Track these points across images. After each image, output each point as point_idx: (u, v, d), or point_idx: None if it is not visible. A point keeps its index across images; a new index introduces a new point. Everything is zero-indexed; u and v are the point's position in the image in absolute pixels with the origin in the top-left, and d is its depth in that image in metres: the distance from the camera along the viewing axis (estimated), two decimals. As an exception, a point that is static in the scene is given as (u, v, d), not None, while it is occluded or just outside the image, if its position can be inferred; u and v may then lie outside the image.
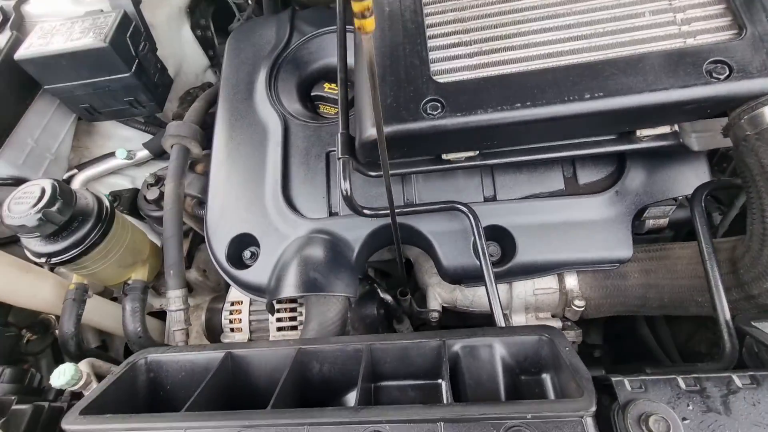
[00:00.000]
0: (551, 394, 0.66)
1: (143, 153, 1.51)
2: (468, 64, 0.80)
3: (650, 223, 1.01)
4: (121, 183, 1.57)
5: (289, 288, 0.91)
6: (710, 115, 0.76)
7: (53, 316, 1.30)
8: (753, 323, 0.67)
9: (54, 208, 0.93)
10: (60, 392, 0.95)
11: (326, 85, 1.26)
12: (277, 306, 1.08)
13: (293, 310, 1.11)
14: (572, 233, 0.92)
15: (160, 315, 1.42)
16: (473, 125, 0.75)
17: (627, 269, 0.97)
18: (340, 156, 0.83)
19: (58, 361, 1.34)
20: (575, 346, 1.07)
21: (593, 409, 0.52)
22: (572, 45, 0.77)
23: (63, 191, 0.96)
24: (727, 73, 0.69)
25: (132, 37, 1.25)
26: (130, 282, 1.17)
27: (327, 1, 1.38)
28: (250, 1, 1.60)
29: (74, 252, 1.00)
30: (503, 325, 0.83)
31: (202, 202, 1.24)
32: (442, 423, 0.54)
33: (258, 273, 1.00)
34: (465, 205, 0.91)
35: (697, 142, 0.83)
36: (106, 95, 1.32)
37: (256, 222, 1.04)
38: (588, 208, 0.93)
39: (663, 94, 0.70)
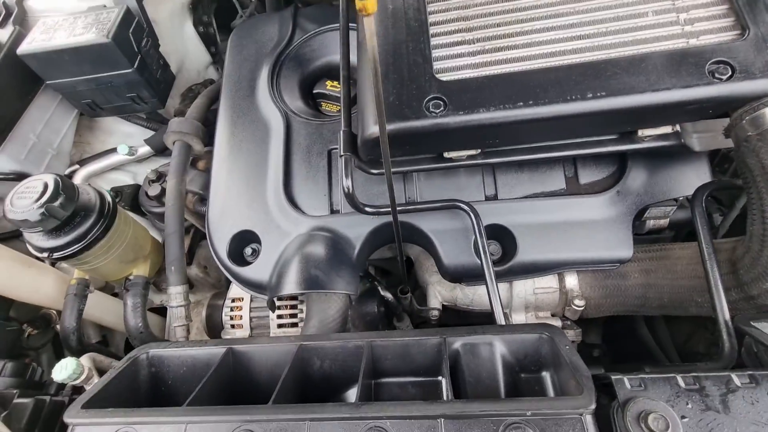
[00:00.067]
0: (551, 392, 0.67)
1: (145, 149, 1.51)
2: (471, 63, 0.80)
3: (651, 224, 1.02)
4: (123, 179, 1.58)
5: (290, 285, 0.91)
6: (712, 116, 0.76)
7: (54, 311, 1.30)
8: (752, 323, 0.68)
9: (56, 203, 0.93)
10: (61, 386, 0.95)
11: (328, 83, 1.26)
12: (277, 303, 1.09)
13: (294, 307, 1.12)
14: (573, 233, 0.93)
15: (161, 311, 1.42)
16: (475, 124, 0.75)
17: (627, 269, 0.97)
18: (342, 153, 0.83)
19: (59, 355, 1.34)
20: (574, 346, 1.08)
21: (593, 406, 0.52)
22: (575, 44, 0.78)
23: (65, 186, 0.96)
24: (730, 73, 0.69)
25: (135, 33, 1.25)
26: (131, 277, 1.17)
27: (329, -2, 1.38)
28: (252, -2, 1.60)
29: (76, 247, 1.00)
30: (504, 323, 0.83)
31: (203, 199, 1.24)
32: (442, 419, 0.54)
33: (259, 270, 1.00)
34: (466, 203, 0.91)
35: (698, 142, 0.84)
36: (109, 91, 1.32)
37: (257, 219, 1.04)
38: (589, 207, 0.93)
39: (665, 94, 0.70)
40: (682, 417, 0.53)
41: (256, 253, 1.04)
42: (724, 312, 0.75)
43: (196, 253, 1.43)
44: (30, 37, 1.22)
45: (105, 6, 1.28)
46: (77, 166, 1.50)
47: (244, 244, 1.06)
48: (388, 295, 1.13)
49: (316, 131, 1.11)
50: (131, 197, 1.45)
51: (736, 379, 0.55)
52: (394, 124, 0.76)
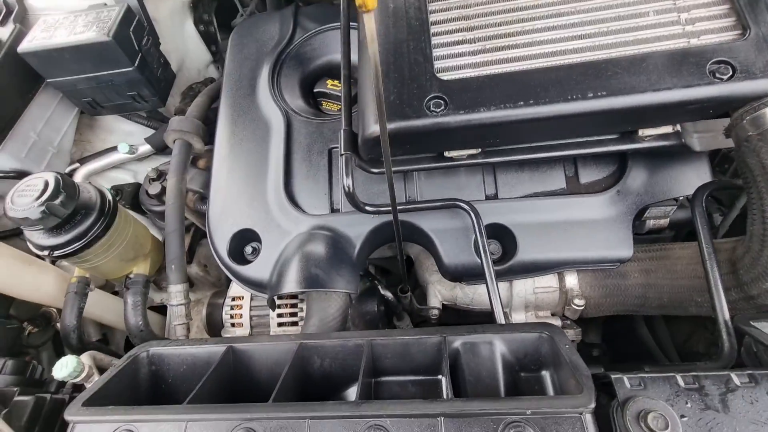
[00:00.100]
0: (551, 391, 0.67)
1: (145, 148, 1.51)
2: (472, 62, 0.80)
3: (651, 223, 1.02)
4: (123, 177, 1.58)
5: (291, 284, 0.91)
6: (712, 116, 0.76)
7: (55, 309, 1.30)
8: (752, 323, 0.68)
9: (57, 201, 0.93)
10: (61, 384, 0.95)
11: (329, 82, 1.26)
12: (278, 302, 1.09)
13: (294, 306, 1.12)
14: (573, 232, 0.93)
15: (161, 310, 1.42)
16: (476, 123, 0.75)
17: (627, 269, 0.98)
18: (342, 152, 0.83)
19: (59, 353, 1.35)
20: (574, 345, 1.08)
21: (592, 405, 0.52)
22: (576, 44, 0.78)
23: (66, 184, 0.96)
24: (731, 73, 0.69)
25: (135, 32, 1.25)
26: (131, 276, 1.17)
27: (330, -3, 1.38)
28: (253, -3, 1.60)
29: (77, 245, 1.00)
30: (503, 322, 0.83)
31: (203, 198, 1.24)
32: (442, 418, 0.54)
33: (259, 268, 1.00)
34: (466, 202, 0.91)
35: (698, 142, 0.84)
36: (109, 89, 1.32)
37: (257, 218, 1.04)
38: (589, 207, 0.93)
39: (666, 93, 0.70)
40: (682, 416, 0.53)
41: (256, 251, 1.04)
42: (723, 312, 0.75)
43: (196, 251, 1.43)
44: (31, 35, 1.22)
45: (106, 4, 1.28)
46: (78, 165, 1.50)
47: (244, 242, 1.06)
48: (388, 294, 1.13)
49: (317, 130, 1.11)
50: (132, 196, 1.45)
51: (735, 378, 0.55)
52: (395, 123, 0.76)
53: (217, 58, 1.73)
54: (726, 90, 0.69)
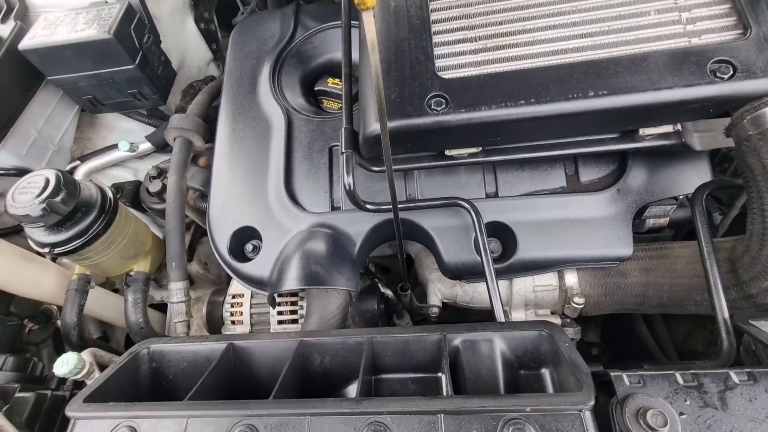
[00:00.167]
0: (550, 389, 0.67)
1: (146, 145, 1.51)
2: (473, 61, 0.80)
3: (651, 222, 1.02)
4: (124, 175, 1.58)
5: (291, 281, 0.91)
6: (713, 115, 0.76)
7: (55, 307, 1.30)
8: (751, 322, 0.68)
9: (58, 199, 0.93)
10: (62, 381, 0.96)
11: (330, 80, 1.26)
12: (278, 299, 1.09)
13: (294, 303, 1.12)
14: (573, 230, 0.93)
15: (161, 308, 1.42)
16: (477, 121, 0.75)
17: (627, 267, 0.98)
18: (343, 151, 0.83)
19: (60, 351, 1.35)
20: (574, 343, 1.08)
21: (592, 403, 0.53)
22: (577, 43, 0.78)
23: (67, 182, 0.96)
24: (731, 72, 0.69)
25: (136, 29, 1.25)
26: (132, 273, 1.17)
27: (331, -5, 1.38)
28: (254, -5, 1.60)
29: (77, 242, 1.00)
30: (503, 320, 0.83)
31: (204, 195, 1.24)
32: (442, 415, 0.54)
33: (260, 266, 1.00)
34: (467, 201, 0.92)
35: (699, 141, 0.84)
36: (110, 87, 1.32)
37: (258, 215, 1.05)
38: (589, 205, 0.94)
39: (667, 92, 0.70)
40: (681, 413, 0.53)
41: (256, 249, 1.04)
42: (723, 310, 0.75)
43: (196, 249, 1.44)
44: (31, 32, 1.22)
45: (107, 2, 1.28)
46: (78, 162, 1.50)
47: (244, 240, 1.07)
48: (389, 293, 1.13)
49: (318, 128, 1.11)
50: (132, 193, 1.45)
51: (734, 376, 0.55)
52: (396, 122, 0.76)
53: (218, 56, 1.73)
54: (726, 89, 0.69)
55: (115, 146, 1.50)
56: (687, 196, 0.95)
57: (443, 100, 0.76)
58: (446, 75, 0.79)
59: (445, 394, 0.63)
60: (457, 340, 0.70)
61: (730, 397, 0.54)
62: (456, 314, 1.19)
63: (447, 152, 0.89)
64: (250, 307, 1.15)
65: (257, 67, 1.23)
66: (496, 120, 0.75)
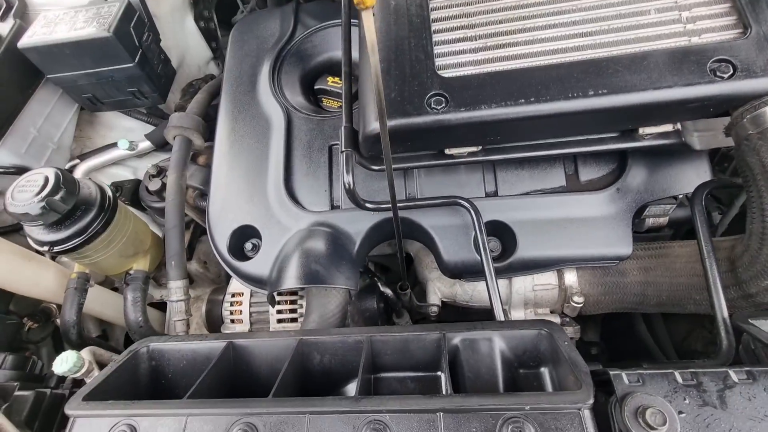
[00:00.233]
0: (549, 388, 0.67)
1: (145, 144, 1.51)
2: (473, 59, 0.80)
3: (650, 222, 1.02)
4: (123, 174, 1.57)
5: (291, 280, 0.91)
6: (713, 114, 0.76)
7: (54, 305, 1.30)
8: (750, 321, 0.68)
9: (57, 197, 0.93)
10: (61, 379, 0.96)
11: (330, 79, 1.26)
12: (277, 298, 1.09)
13: (294, 302, 1.12)
14: (573, 230, 0.93)
15: (160, 306, 1.42)
16: (477, 120, 0.75)
17: (626, 266, 0.98)
18: (343, 149, 0.83)
19: (59, 349, 1.34)
20: (573, 342, 1.08)
21: (591, 401, 0.53)
22: (577, 42, 0.78)
23: (66, 180, 0.96)
24: (731, 72, 0.69)
25: (136, 28, 1.25)
26: (131, 272, 1.17)
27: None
28: (253, -7, 1.59)
29: (77, 241, 1.00)
30: (503, 319, 0.83)
31: (203, 194, 1.24)
32: (441, 413, 0.54)
33: (259, 265, 1.00)
34: (466, 200, 0.92)
35: (698, 141, 0.84)
36: (109, 85, 1.31)
37: (258, 214, 1.04)
38: (589, 205, 0.94)
39: (666, 92, 0.70)
40: (680, 412, 0.53)
41: (256, 248, 1.04)
42: (722, 310, 0.75)
43: (196, 248, 1.44)
44: (31, 30, 1.22)
45: (106, 0, 1.28)
46: (77, 161, 1.49)
47: (244, 239, 1.07)
48: (388, 291, 1.13)
49: (317, 127, 1.11)
50: (131, 192, 1.45)
51: (733, 375, 0.55)
52: (396, 120, 0.76)
53: (218, 54, 1.73)
54: (726, 88, 0.69)
55: (114, 145, 1.49)
56: (686, 196, 0.95)
57: (443, 99, 0.76)
58: (446, 74, 0.79)
59: (444, 392, 0.63)
60: (457, 338, 0.70)
61: (729, 395, 0.54)
62: (455, 313, 1.19)
63: (447, 151, 0.89)
64: (250, 306, 1.15)
65: (257, 65, 1.23)
66: (496, 119, 0.75)
